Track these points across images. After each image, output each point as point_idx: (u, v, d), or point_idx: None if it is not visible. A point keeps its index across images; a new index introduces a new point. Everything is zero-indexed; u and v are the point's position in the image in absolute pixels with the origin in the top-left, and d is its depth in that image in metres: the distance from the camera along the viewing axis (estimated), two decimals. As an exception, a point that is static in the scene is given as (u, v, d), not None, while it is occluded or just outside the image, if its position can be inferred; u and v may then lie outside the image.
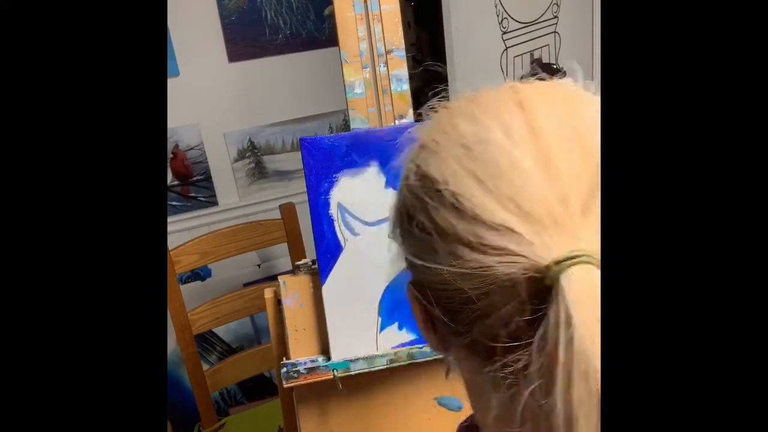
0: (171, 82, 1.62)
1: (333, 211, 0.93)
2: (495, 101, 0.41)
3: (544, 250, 0.34)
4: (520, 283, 0.35)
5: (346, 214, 0.93)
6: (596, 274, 0.33)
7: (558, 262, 0.33)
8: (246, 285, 1.82)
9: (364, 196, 0.92)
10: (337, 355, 0.92)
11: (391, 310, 0.93)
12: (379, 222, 0.93)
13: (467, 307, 0.37)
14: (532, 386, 0.34)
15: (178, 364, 1.67)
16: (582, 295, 0.32)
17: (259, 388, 1.85)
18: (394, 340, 0.93)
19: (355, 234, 0.93)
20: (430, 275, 0.39)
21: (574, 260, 0.33)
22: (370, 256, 0.92)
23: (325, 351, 0.94)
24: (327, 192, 0.92)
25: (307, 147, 0.91)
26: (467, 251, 0.36)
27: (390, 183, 0.93)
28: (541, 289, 0.34)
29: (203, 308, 1.51)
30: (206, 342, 1.86)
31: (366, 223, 0.93)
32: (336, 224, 0.93)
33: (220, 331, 1.86)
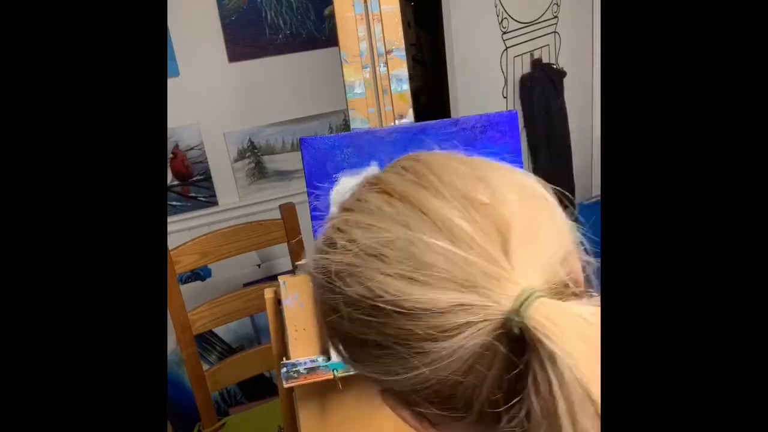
0: (171, 82, 1.62)
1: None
2: (373, 202, 0.42)
3: (497, 307, 0.35)
4: (494, 345, 0.36)
5: None
6: (551, 303, 0.34)
7: (515, 311, 0.35)
8: (246, 285, 1.82)
9: None
10: (336, 355, 0.92)
11: None
12: None
13: (458, 389, 0.38)
14: (541, 429, 0.34)
15: (178, 364, 1.67)
16: (550, 327, 0.33)
17: (259, 388, 1.85)
18: None
19: None
20: (408, 380, 0.39)
21: (526, 301, 0.35)
22: None
23: (325, 351, 0.94)
24: (327, 192, 0.92)
25: (307, 147, 0.92)
26: (433, 344, 0.37)
27: None
28: (514, 340, 0.35)
29: (203, 308, 1.51)
30: (206, 342, 1.86)
31: None
32: None
33: (220, 331, 1.86)
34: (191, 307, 1.49)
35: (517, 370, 0.35)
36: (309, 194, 0.92)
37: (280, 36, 1.78)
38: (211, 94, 1.76)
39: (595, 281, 0.41)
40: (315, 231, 0.94)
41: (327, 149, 0.92)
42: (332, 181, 0.92)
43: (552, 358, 0.33)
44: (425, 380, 0.38)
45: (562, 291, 0.37)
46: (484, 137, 0.93)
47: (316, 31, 1.81)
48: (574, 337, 0.33)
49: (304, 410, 0.98)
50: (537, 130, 1.72)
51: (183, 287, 1.53)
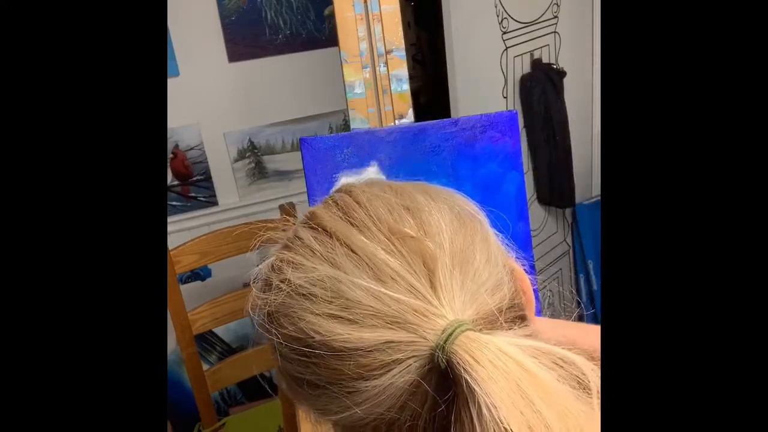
0: (171, 82, 1.62)
1: None
2: (303, 238, 0.42)
3: (424, 343, 0.35)
4: (424, 382, 0.35)
5: None
6: (475, 336, 0.34)
7: (440, 346, 0.34)
8: (246, 285, 1.81)
9: None
10: None
11: None
12: None
13: (395, 427, 0.37)
14: None
15: (178, 364, 1.67)
16: (471, 363, 0.33)
17: (259, 388, 1.85)
18: None
19: None
20: (347, 419, 0.39)
21: (451, 336, 0.34)
22: None
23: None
24: (327, 192, 0.92)
25: (307, 146, 0.91)
26: (363, 383, 0.36)
27: None
28: (444, 375, 0.35)
29: (203, 308, 1.51)
30: (206, 342, 1.86)
31: None
32: None
33: (220, 331, 1.86)
34: (191, 307, 1.49)
35: (445, 407, 0.35)
36: (308, 193, 0.92)
37: (280, 36, 1.78)
38: (211, 94, 1.75)
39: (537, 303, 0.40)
40: None
41: (327, 149, 0.92)
42: (332, 181, 0.92)
43: (472, 395, 0.32)
44: (362, 418, 0.38)
45: (493, 320, 0.37)
46: (484, 137, 0.93)
47: (316, 31, 1.81)
48: (495, 372, 0.32)
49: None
50: (537, 130, 1.72)
51: (183, 287, 1.53)
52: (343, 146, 0.92)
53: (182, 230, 1.76)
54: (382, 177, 0.93)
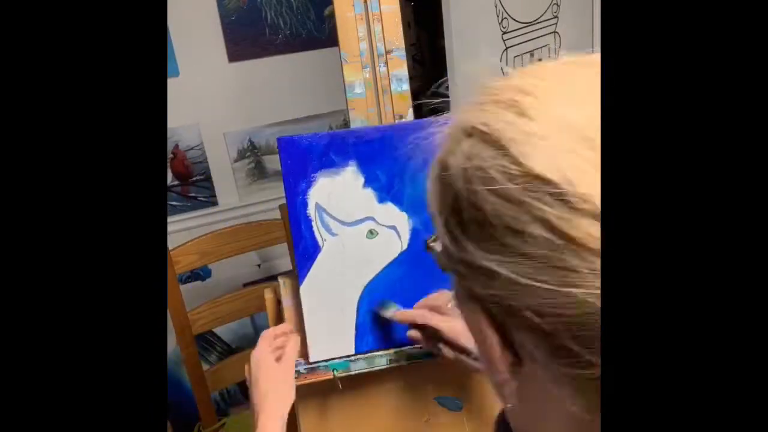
0: (171, 82, 1.62)
1: (311, 211, 0.92)
2: (578, 76, 0.35)
3: None
4: None
5: (324, 214, 0.93)
6: None
7: None
8: (246, 285, 1.82)
9: (342, 196, 0.92)
10: (315, 356, 0.92)
11: (369, 310, 0.93)
12: (357, 222, 0.93)
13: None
14: None
15: (178, 364, 1.67)
16: None
17: (259, 388, 1.85)
18: (372, 342, 0.93)
19: (333, 234, 0.93)
20: (546, 297, 0.31)
21: None
22: (349, 256, 0.92)
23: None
24: (305, 192, 0.92)
25: (285, 147, 0.91)
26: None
27: (368, 183, 0.93)
28: None
29: (203, 308, 1.51)
30: (206, 342, 1.86)
31: (344, 223, 0.93)
32: (314, 224, 0.93)
33: (220, 331, 1.86)
34: (191, 307, 1.49)
35: None
36: (286, 194, 0.91)
37: (280, 36, 1.78)
38: (211, 94, 1.76)
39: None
40: (293, 231, 0.93)
41: (304, 149, 0.91)
42: (310, 181, 0.92)
43: None
44: (572, 303, 0.30)
45: None
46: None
47: (316, 31, 1.81)
48: None
49: (304, 410, 0.98)
50: (537, 130, 1.71)
51: (183, 287, 1.53)
52: (320, 146, 0.92)
53: (182, 230, 1.76)
54: (361, 177, 0.92)
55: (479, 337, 0.37)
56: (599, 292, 0.29)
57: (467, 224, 0.34)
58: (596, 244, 0.29)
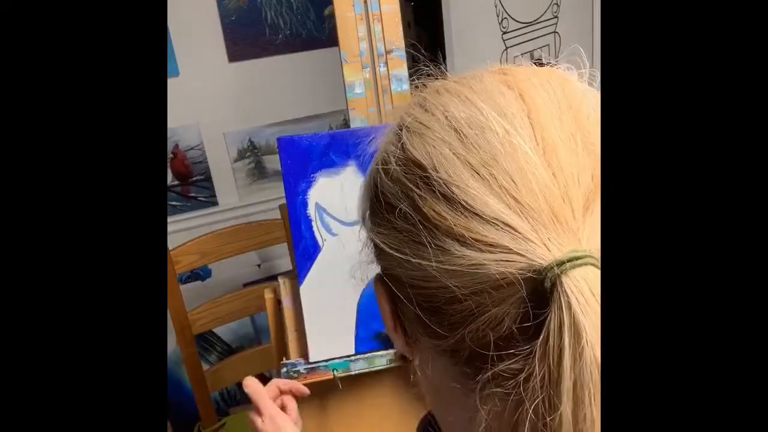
0: (171, 82, 1.62)
1: (311, 211, 0.92)
2: (486, 83, 0.38)
3: (543, 249, 0.31)
4: (514, 284, 0.32)
5: (324, 214, 0.93)
6: (598, 276, 0.31)
7: (560, 263, 0.30)
8: (246, 285, 1.82)
9: (342, 196, 0.92)
10: (315, 356, 0.92)
11: (369, 310, 0.93)
12: (358, 222, 0.93)
13: (451, 308, 0.34)
14: (536, 401, 0.31)
15: (178, 364, 1.67)
16: (586, 299, 0.30)
17: (259, 388, 1.85)
18: (372, 342, 0.93)
19: (333, 234, 0.93)
20: (409, 269, 0.35)
21: (577, 261, 0.30)
22: (349, 256, 0.92)
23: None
24: (305, 192, 0.92)
25: (285, 147, 0.91)
26: (457, 246, 0.33)
27: None
28: (538, 291, 0.31)
29: (203, 308, 1.51)
30: (206, 342, 1.85)
31: (344, 223, 0.93)
32: (314, 224, 0.92)
33: (220, 331, 1.86)
34: (191, 307, 1.49)
35: (527, 324, 0.32)
36: (286, 194, 0.91)
37: (280, 36, 1.78)
38: (211, 94, 1.75)
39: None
40: (293, 231, 0.93)
41: (304, 149, 0.91)
42: (310, 181, 0.92)
43: (577, 331, 0.29)
44: (426, 278, 0.34)
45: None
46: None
47: (316, 31, 1.81)
48: (596, 317, 0.30)
49: (304, 410, 0.98)
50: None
51: (183, 287, 1.53)
52: (320, 146, 0.92)
53: (182, 230, 1.76)
54: (361, 176, 0.92)
55: (382, 311, 0.42)
56: (443, 267, 0.33)
57: (371, 203, 0.40)
58: (444, 223, 0.33)
